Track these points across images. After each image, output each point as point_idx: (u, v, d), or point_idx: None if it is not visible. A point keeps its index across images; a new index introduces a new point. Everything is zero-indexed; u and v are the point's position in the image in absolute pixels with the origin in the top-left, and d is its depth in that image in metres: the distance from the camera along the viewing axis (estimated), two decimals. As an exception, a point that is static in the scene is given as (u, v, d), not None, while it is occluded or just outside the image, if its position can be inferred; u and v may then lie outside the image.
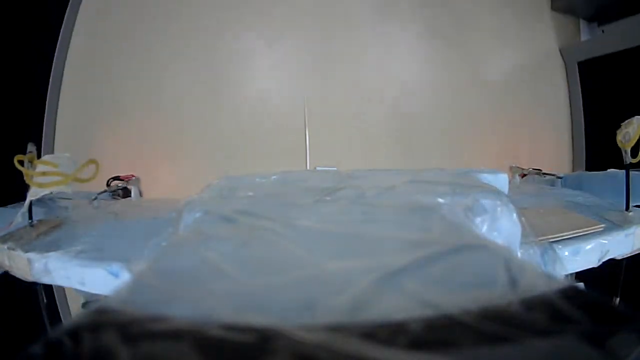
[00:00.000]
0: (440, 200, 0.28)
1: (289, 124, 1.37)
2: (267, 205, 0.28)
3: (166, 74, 1.38)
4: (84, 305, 0.57)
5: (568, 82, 1.49)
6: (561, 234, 0.46)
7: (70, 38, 1.30)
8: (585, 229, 0.48)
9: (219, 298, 0.15)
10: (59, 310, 1.10)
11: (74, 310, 1.12)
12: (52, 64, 1.26)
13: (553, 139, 1.50)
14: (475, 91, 1.49)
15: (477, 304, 0.13)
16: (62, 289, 1.10)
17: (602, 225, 0.49)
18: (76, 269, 0.43)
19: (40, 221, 0.53)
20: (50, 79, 1.26)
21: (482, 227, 0.29)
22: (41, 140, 1.24)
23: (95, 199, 0.70)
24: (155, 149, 1.38)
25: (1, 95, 1.05)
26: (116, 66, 1.36)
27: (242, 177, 0.39)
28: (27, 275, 0.45)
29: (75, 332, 0.12)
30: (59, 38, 1.27)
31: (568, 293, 0.14)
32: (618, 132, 0.54)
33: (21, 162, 0.49)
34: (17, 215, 0.51)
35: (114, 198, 0.82)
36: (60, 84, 1.30)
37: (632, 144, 0.52)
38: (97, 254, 0.44)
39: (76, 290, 0.46)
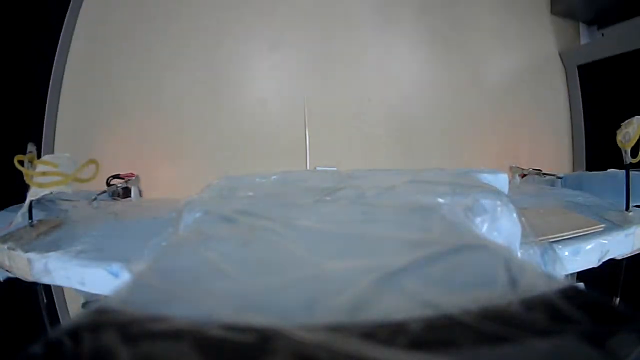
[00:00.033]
0: (440, 200, 0.28)
1: (289, 124, 1.37)
2: (267, 205, 0.28)
3: (166, 74, 1.38)
4: (84, 305, 0.57)
5: (568, 85, 1.49)
6: (561, 234, 0.46)
7: (70, 38, 1.31)
8: (585, 229, 0.48)
9: (219, 298, 0.15)
10: (58, 310, 1.10)
11: (72, 311, 1.11)
12: (52, 64, 1.26)
13: (553, 142, 1.50)
14: (475, 93, 1.49)
15: (477, 304, 0.13)
16: (61, 289, 1.10)
17: (602, 225, 0.49)
18: (76, 269, 0.43)
19: (40, 221, 0.53)
20: (51, 79, 1.26)
21: (482, 227, 0.29)
22: (41, 140, 1.24)
23: (95, 199, 0.70)
24: (155, 149, 1.38)
25: (1, 95, 1.05)
26: (116, 66, 1.36)
27: (242, 177, 0.39)
28: (27, 275, 0.45)
29: (75, 332, 0.12)
30: (60, 38, 1.27)
31: (568, 293, 0.14)
32: (618, 132, 0.54)
33: (21, 162, 0.49)
34: (17, 215, 0.51)
35: (114, 199, 0.82)
36: (61, 85, 1.30)
37: (632, 144, 0.52)
38: (97, 254, 0.44)
39: (76, 290, 0.46)
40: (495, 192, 0.31)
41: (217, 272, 0.17)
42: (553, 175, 0.87)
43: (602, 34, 1.39)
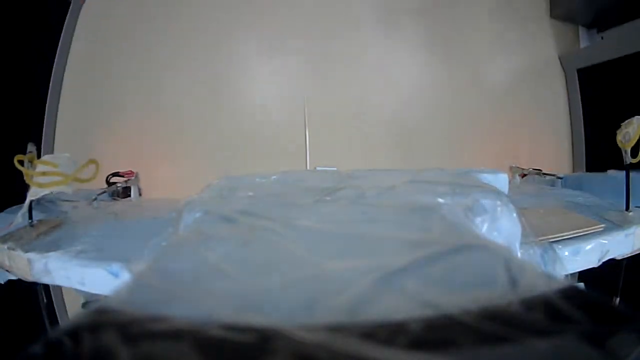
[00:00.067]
0: (440, 200, 0.28)
1: (289, 125, 1.37)
2: (267, 205, 0.28)
3: (166, 74, 1.38)
4: (84, 305, 0.57)
5: (567, 89, 1.49)
6: (561, 234, 0.46)
7: (71, 39, 1.31)
8: (585, 229, 0.48)
9: (219, 298, 0.15)
10: (56, 311, 1.09)
11: (71, 312, 1.11)
12: (52, 64, 1.26)
13: (553, 144, 1.50)
14: (474, 96, 1.49)
15: (477, 304, 0.13)
16: (59, 291, 1.10)
17: (602, 225, 0.49)
18: (76, 269, 0.43)
19: (40, 221, 0.53)
20: (51, 79, 1.26)
21: (482, 227, 0.29)
22: (41, 140, 1.24)
23: (95, 199, 0.70)
24: (155, 148, 1.38)
25: (1, 95, 1.05)
26: (116, 66, 1.36)
27: (242, 177, 0.39)
28: (27, 275, 0.45)
29: (75, 332, 0.12)
30: (60, 38, 1.27)
31: (568, 293, 0.14)
32: (618, 132, 0.54)
33: (21, 162, 0.49)
34: (17, 215, 0.51)
35: (114, 198, 0.82)
36: (61, 84, 1.30)
37: (632, 144, 0.52)
38: (97, 254, 0.44)
39: (76, 290, 0.46)
40: (495, 192, 0.31)
41: (217, 272, 0.17)
42: (553, 175, 0.87)
43: (602, 37, 1.39)
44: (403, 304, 0.14)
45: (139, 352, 0.11)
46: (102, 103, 1.36)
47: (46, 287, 0.67)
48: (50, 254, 0.44)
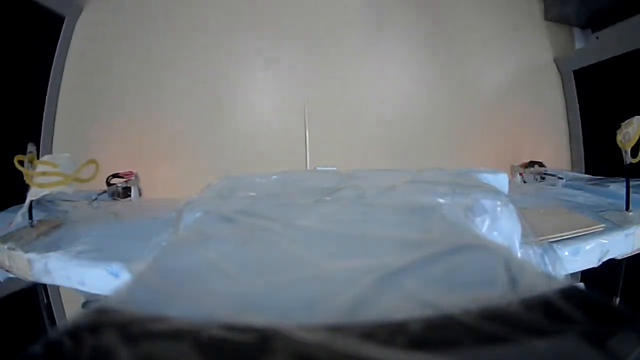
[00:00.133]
0: (441, 200, 0.28)
1: (289, 126, 1.37)
2: (267, 205, 0.28)
3: (166, 74, 1.38)
4: (84, 305, 0.57)
5: (564, 91, 1.49)
6: (561, 234, 0.46)
7: (70, 38, 1.31)
8: (585, 229, 0.48)
9: (219, 298, 0.15)
10: (55, 313, 1.09)
11: (69, 312, 1.11)
12: (51, 64, 1.26)
13: (551, 147, 1.50)
14: (471, 100, 1.49)
15: (477, 304, 0.13)
16: (57, 294, 1.10)
17: (602, 225, 0.49)
18: (76, 269, 0.43)
19: (40, 221, 0.53)
20: (50, 80, 1.26)
21: (482, 227, 0.29)
22: (39, 140, 1.24)
23: (95, 199, 0.70)
24: (155, 149, 1.37)
25: (1, 95, 1.05)
26: (116, 66, 1.36)
27: (242, 177, 0.39)
28: (27, 276, 0.45)
29: (75, 332, 0.12)
30: (59, 38, 1.27)
31: (568, 293, 0.14)
32: (618, 132, 0.54)
33: (21, 163, 0.49)
34: (17, 215, 0.51)
35: (114, 199, 0.82)
36: (60, 85, 1.30)
37: (632, 144, 0.52)
38: (97, 254, 0.44)
39: (76, 290, 0.46)
40: (495, 192, 0.31)
41: (217, 272, 0.17)
42: (553, 175, 0.87)
43: (597, 37, 1.38)
44: (403, 304, 0.14)
45: (139, 352, 0.11)
46: (102, 103, 1.36)
47: (44, 288, 0.67)
48: (50, 254, 0.44)
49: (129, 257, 0.42)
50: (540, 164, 1.11)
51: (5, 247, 0.46)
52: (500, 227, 0.30)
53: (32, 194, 0.48)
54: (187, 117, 1.40)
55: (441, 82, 1.50)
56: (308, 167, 1.00)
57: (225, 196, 0.32)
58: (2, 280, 0.51)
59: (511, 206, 0.30)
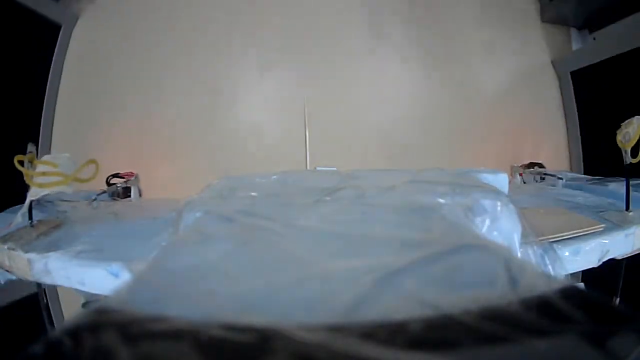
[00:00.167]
0: (441, 200, 0.28)
1: (289, 126, 1.37)
2: (267, 206, 0.28)
3: (166, 74, 1.38)
4: (84, 305, 0.57)
5: (562, 92, 1.49)
6: (561, 234, 0.46)
7: (67, 44, 1.31)
8: (585, 229, 0.48)
9: (218, 298, 0.15)
10: (54, 320, 1.09)
11: (70, 312, 1.11)
12: (50, 66, 1.26)
13: (549, 148, 1.50)
14: (469, 102, 1.49)
15: (477, 304, 0.13)
16: (56, 299, 1.10)
17: (602, 225, 0.49)
18: (76, 269, 0.43)
19: (40, 221, 0.53)
20: (48, 80, 1.26)
21: (482, 227, 0.29)
22: (38, 141, 1.24)
23: (95, 199, 0.70)
24: (155, 149, 1.38)
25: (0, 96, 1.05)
26: (116, 66, 1.36)
27: (242, 177, 0.39)
28: (27, 276, 0.45)
29: (75, 332, 0.11)
30: (57, 41, 1.27)
31: (568, 293, 0.14)
32: (618, 132, 0.54)
33: (21, 163, 0.49)
34: (17, 216, 0.51)
35: (114, 199, 0.82)
36: (58, 86, 1.30)
37: (632, 144, 0.52)
38: (97, 254, 0.44)
39: (76, 290, 0.46)
40: (495, 192, 0.31)
41: (217, 272, 0.17)
42: (553, 175, 0.87)
43: (594, 38, 1.38)
44: (403, 304, 0.14)
45: (139, 352, 0.11)
46: (102, 104, 1.36)
47: (44, 294, 0.67)
48: (50, 254, 0.44)
49: (129, 257, 0.42)
50: (540, 165, 1.11)
51: (5, 247, 0.46)
52: (500, 227, 0.30)
53: (32, 194, 0.48)
54: (187, 117, 1.40)
55: (440, 83, 1.50)
56: (308, 167, 1.00)
57: (225, 196, 0.32)
58: (2, 282, 0.51)
59: (511, 206, 0.30)
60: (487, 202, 0.29)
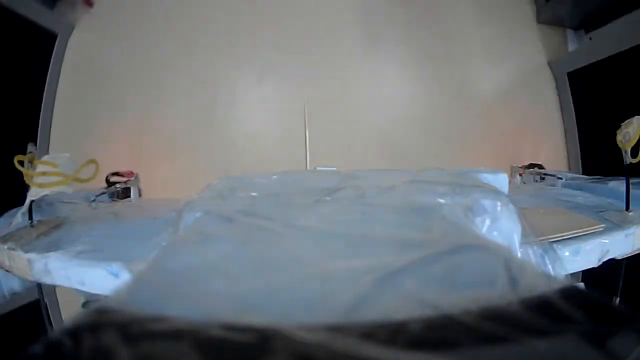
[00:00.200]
0: (441, 200, 0.28)
1: (289, 126, 1.37)
2: (268, 206, 0.28)
3: (166, 74, 1.38)
4: (84, 305, 0.57)
5: (559, 94, 1.49)
6: (561, 234, 0.46)
7: (67, 39, 1.31)
8: (585, 229, 0.48)
9: (219, 298, 0.15)
10: (52, 320, 1.09)
11: (69, 312, 1.11)
12: (49, 66, 1.27)
13: (547, 149, 1.50)
14: (467, 103, 1.49)
15: (477, 304, 0.13)
16: (56, 304, 1.09)
17: (602, 225, 0.49)
18: (76, 269, 0.43)
19: (40, 221, 0.53)
20: (47, 80, 1.26)
21: (482, 227, 0.29)
22: (36, 141, 1.24)
23: (94, 201, 0.70)
24: (155, 149, 1.37)
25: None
26: (116, 67, 1.36)
27: (242, 177, 0.39)
28: (27, 276, 0.45)
29: (75, 332, 0.11)
30: (56, 40, 1.27)
31: (568, 293, 0.14)
32: (618, 132, 0.54)
33: (21, 163, 0.49)
34: (17, 215, 0.51)
35: (114, 200, 0.82)
36: (57, 86, 1.30)
37: (632, 144, 0.52)
38: (97, 254, 0.44)
39: (76, 290, 0.46)
40: (495, 192, 0.31)
41: (217, 272, 0.17)
42: (553, 175, 0.87)
43: (590, 38, 1.38)
44: (403, 304, 0.14)
45: (139, 352, 0.11)
46: (101, 104, 1.36)
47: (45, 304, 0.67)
48: (50, 254, 0.44)
49: (129, 257, 0.42)
50: (540, 167, 1.11)
51: (5, 247, 0.46)
52: (500, 227, 0.30)
53: (32, 194, 0.48)
54: (187, 117, 1.40)
55: (438, 84, 1.50)
56: (308, 167, 1.00)
57: (225, 196, 0.32)
58: (7, 296, 0.51)
59: (511, 206, 0.30)
60: (487, 202, 0.29)
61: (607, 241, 0.48)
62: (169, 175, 1.36)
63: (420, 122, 1.48)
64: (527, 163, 1.21)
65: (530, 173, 1.07)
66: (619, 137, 0.54)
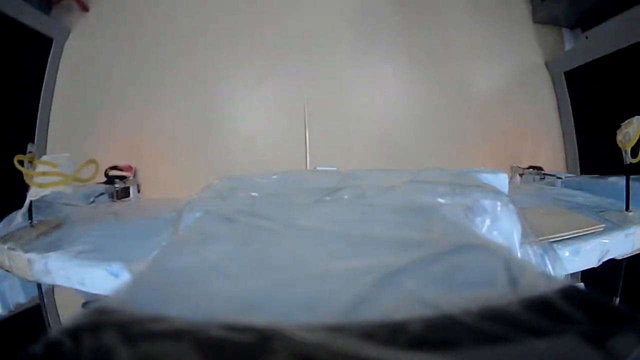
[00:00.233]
0: (441, 200, 0.28)
1: (288, 126, 1.37)
2: (268, 205, 0.28)
3: (166, 74, 1.38)
4: (84, 305, 0.57)
5: (556, 93, 1.49)
6: (561, 234, 0.46)
7: (63, 44, 1.31)
8: (585, 229, 0.48)
9: (219, 298, 0.15)
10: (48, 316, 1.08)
11: (68, 312, 1.11)
12: (45, 69, 1.27)
13: (545, 149, 1.50)
14: (466, 103, 1.49)
15: (477, 304, 0.13)
16: (55, 310, 1.09)
17: (602, 225, 0.49)
18: (76, 269, 0.43)
19: (40, 221, 0.53)
20: (45, 80, 1.27)
21: (482, 227, 0.29)
22: (34, 140, 1.24)
23: (93, 202, 0.70)
24: (155, 149, 1.37)
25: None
26: (116, 67, 1.36)
27: (242, 177, 0.39)
28: (27, 276, 0.45)
29: (75, 332, 0.11)
30: (52, 45, 1.28)
31: (568, 293, 0.14)
32: (618, 132, 0.54)
33: (21, 162, 0.49)
34: (17, 215, 0.51)
35: (113, 201, 0.82)
36: (54, 86, 1.31)
37: (632, 144, 0.52)
38: (97, 254, 0.44)
39: (76, 290, 0.46)
40: (495, 192, 0.31)
41: (217, 272, 0.17)
42: (553, 175, 0.87)
43: (586, 37, 1.38)
44: (403, 304, 0.14)
45: (139, 352, 0.11)
46: (101, 104, 1.36)
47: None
48: (50, 254, 0.44)
49: (129, 257, 0.42)
50: (540, 169, 1.12)
51: (5, 247, 0.46)
52: (500, 227, 0.30)
53: (32, 194, 0.48)
54: (187, 117, 1.40)
55: (437, 84, 1.50)
56: (308, 167, 1.00)
57: (225, 196, 0.32)
58: (13, 309, 0.52)
59: (511, 206, 0.30)
60: (487, 202, 0.29)
61: (607, 241, 0.48)
62: (169, 175, 1.36)
63: (419, 122, 1.48)
64: (526, 165, 1.21)
65: (530, 173, 1.07)
66: (619, 137, 0.54)
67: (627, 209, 0.55)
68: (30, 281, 0.47)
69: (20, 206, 0.51)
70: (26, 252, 0.45)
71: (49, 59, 1.27)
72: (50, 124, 1.30)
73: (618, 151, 0.54)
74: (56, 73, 1.31)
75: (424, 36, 1.49)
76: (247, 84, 1.42)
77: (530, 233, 0.32)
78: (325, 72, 1.44)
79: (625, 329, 0.12)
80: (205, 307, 0.14)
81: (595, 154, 1.33)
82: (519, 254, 0.31)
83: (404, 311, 0.13)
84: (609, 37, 1.21)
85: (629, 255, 0.51)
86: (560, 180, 0.83)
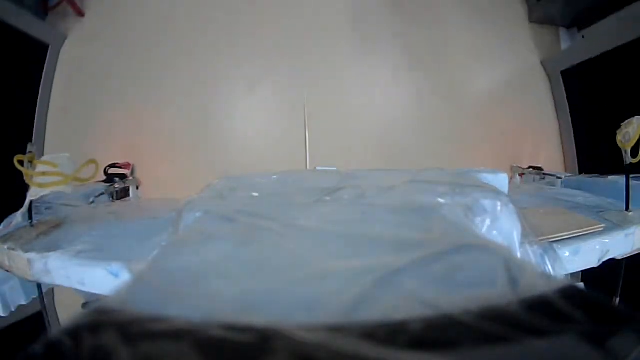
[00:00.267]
0: (441, 200, 0.28)
1: (288, 127, 1.37)
2: (268, 205, 0.28)
3: (166, 74, 1.38)
4: (84, 305, 0.57)
5: (553, 93, 1.49)
6: (561, 234, 0.46)
7: (59, 49, 1.32)
8: (585, 229, 0.48)
9: (219, 298, 0.15)
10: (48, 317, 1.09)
11: (68, 312, 1.11)
12: (42, 72, 1.27)
13: (544, 149, 1.50)
14: (464, 103, 1.49)
15: (477, 304, 0.13)
16: (55, 312, 1.09)
17: (602, 225, 0.49)
18: (76, 269, 0.43)
19: (40, 221, 0.53)
20: (42, 80, 1.27)
21: (482, 227, 0.29)
22: (32, 140, 1.24)
23: (93, 202, 0.70)
24: (155, 149, 1.38)
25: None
26: (116, 66, 1.36)
27: (242, 177, 0.39)
28: (27, 276, 0.45)
29: (75, 332, 0.11)
30: (48, 50, 1.28)
31: (568, 293, 0.14)
32: (618, 132, 0.54)
33: (21, 163, 0.49)
34: (17, 215, 0.51)
35: (113, 202, 0.82)
36: (52, 86, 1.31)
37: (632, 144, 0.52)
38: (97, 254, 0.44)
39: (76, 290, 0.46)
40: (495, 192, 0.31)
41: (217, 272, 0.17)
42: (553, 175, 0.87)
43: (583, 36, 1.38)
44: (403, 304, 0.14)
45: (139, 352, 0.11)
46: (101, 104, 1.36)
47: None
48: (50, 254, 0.44)
49: (129, 257, 0.42)
50: (540, 169, 1.12)
51: (5, 247, 0.46)
52: (500, 227, 0.30)
53: (32, 194, 0.48)
54: (186, 117, 1.40)
55: (435, 84, 1.50)
56: (308, 167, 1.00)
57: (226, 196, 0.32)
58: (14, 310, 0.52)
59: (511, 206, 0.30)
60: (487, 202, 0.29)
61: (607, 241, 0.48)
62: (169, 175, 1.36)
63: (419, 122, 1.48)
64: (526, 165, 1.21)
65: (530, 173, 1.08)
66: (618, 137, 0.54)
67: (627, 209, 0.55)
68: (30, 281, 0.47)
69: (21, 206, 0.51)
70: (26, 252, 0.45)
71: (46, 65, 1.28)
72: (49, 125, 1.30)
73: (617, 150, 0.54)
74: (53, 78, 1.31)
75: (423, 36, 1.49)
76: (247, 84, 1.42)
77: (530, 233, 0.32)
78: (325, 72, 1.44)
79: (625, 329, 0.12)
80: (205, 307, 0.14)
81: (593, 154, 1.33)
82: (519, 254, 0.31)
83: (404, 311, 0.13)
84: (605, 35, 1.21)
85: (629, 255, 0.51)
86: (560, 180, 0.83)
